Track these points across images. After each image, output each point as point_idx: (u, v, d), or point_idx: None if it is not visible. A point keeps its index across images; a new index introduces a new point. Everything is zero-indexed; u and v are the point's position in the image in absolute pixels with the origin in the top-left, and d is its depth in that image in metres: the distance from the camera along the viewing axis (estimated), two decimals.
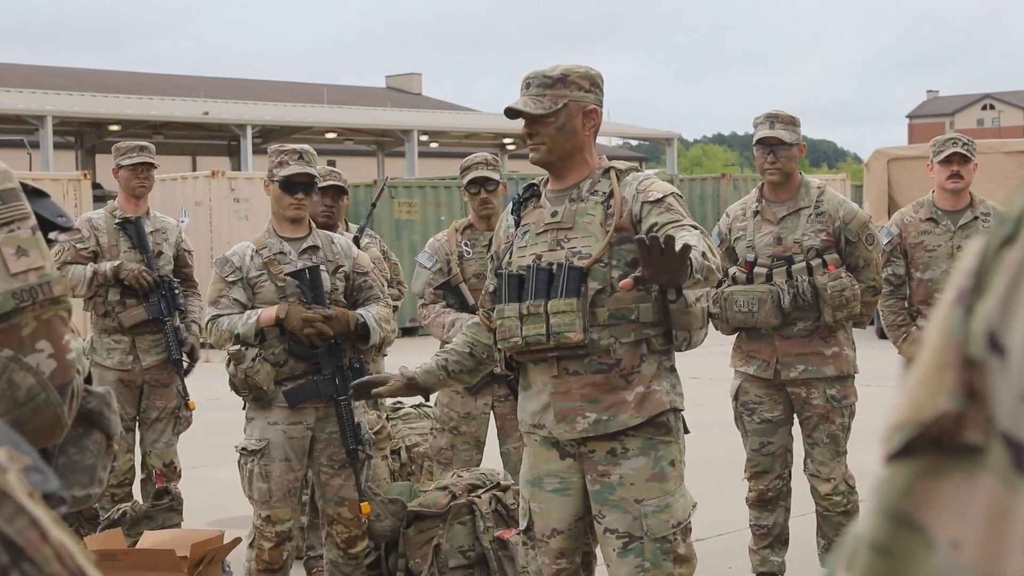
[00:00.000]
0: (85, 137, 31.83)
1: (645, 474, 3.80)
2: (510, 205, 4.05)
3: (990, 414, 0.62)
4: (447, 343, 5.66)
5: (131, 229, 6.60)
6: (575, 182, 3.89)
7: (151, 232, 6.66)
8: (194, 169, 34.77)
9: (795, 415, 5.53)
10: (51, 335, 1.82)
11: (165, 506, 6.45)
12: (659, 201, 3.78)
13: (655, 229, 3.69)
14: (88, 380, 1.95)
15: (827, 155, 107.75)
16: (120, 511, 6.27)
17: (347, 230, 6.36)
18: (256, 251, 5.10)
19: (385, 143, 35.06)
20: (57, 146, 29.64)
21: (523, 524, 4.02)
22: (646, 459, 3.81)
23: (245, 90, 46.18)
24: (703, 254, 3.52)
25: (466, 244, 5.93)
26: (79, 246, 6.53)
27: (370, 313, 5.08)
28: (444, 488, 5.70)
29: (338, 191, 6.21)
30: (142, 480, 6.70)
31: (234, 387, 5.02)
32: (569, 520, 3.92)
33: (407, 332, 17.64)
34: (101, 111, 31.02)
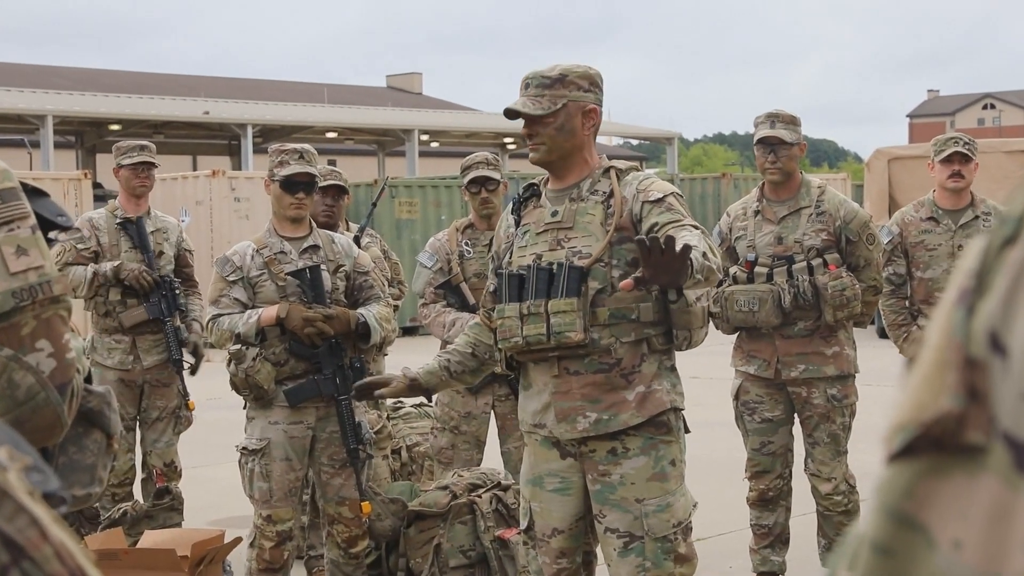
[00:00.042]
0: (86, 136, 31.83)
1: (646, 473, 3.80)
2: (510, 205, 4.05)
3: (992, 414, 0.62)
4: (448, 342, 5.68)
5: (132, 229, 6.60)
6: (575, 182, 3.89)
7: (152, 232, 6.66)
8: (195, 169, 34.80)
9: (796, 415, 5.53)
10: (51, 334, 1.82)
11: (166, 505, 6.45)
12: (659, 201, 3.78)
13: (655, 229, 3.69)
14: (88, 379, 1.95)
15: (828, 154, 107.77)
16: (121, 510, 6.27)
17: (348, 229, 6.36)
18: (257, 250, 5.10)
19: (386, 143, 35.06)
20: (58, 145, 29.65)
21: (524, 524, 4.02)
22: (647, 459, 3.81)
23: (246, 90, 46.19)
24: (704, 254, 3.52)
25: (467, 244, 5.93)
26: (80, 247, 6.53)
27: (371, 312, 5.08)
28: (445, 488, 5.70)
29: (339, 191, 6.21)
30: (143, 480, 6.70)
31: (235, 386, 5.02)
32: (570, 520, 3.92)
33: (408, 332, 17.64)
34: (102, 110, 31.02)
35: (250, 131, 29.70)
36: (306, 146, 5.18)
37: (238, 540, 5.47)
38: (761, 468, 5.56)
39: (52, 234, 1.95)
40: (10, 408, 1.77)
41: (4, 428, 1.14)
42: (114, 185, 8.03)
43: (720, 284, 5.30)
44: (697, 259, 3.44)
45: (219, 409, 9.82)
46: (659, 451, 3.82)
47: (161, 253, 6.64)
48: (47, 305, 1.83)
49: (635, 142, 58.40)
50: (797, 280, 5.35)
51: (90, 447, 1.96)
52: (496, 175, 5.93)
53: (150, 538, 5.50)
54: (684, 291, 3.73)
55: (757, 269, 5.42)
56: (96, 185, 19.94)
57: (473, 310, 5.63)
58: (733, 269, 5.44)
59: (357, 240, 6.15)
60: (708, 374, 11.03)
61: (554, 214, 3.87)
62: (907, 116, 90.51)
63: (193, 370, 6.70)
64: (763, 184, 5.59)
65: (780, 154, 5.42)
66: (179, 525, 6.38)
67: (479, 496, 5.64)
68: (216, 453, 8.72)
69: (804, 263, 5.36)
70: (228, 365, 4.99)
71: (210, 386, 9.15)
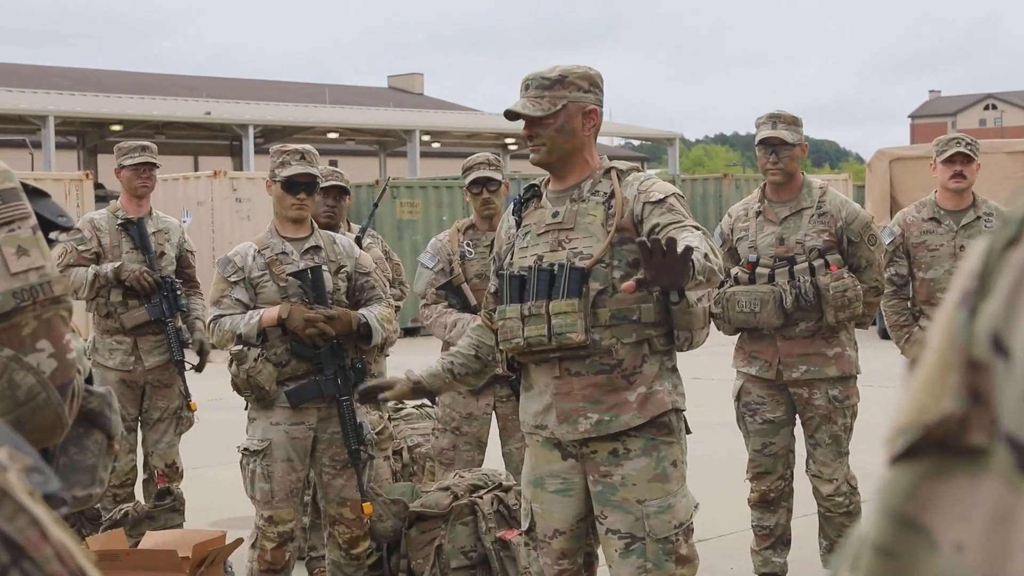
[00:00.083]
0: (87, 137, 31.85)
1: (647, 475, 3.80)
2: (511, 206, 4.05)
3: (994, 416, 0.62)
4: (449, 343, 5.68)
5: (133, 230, 6.60)
6: (576, 182, 3.89)
7: (153, 232, 6.66)
8: (196, 169, 34.79)
9: (797, 416, 5.53)
10: (52, 335, 1.82)
11: (167, 506, 6.45)
12: (661, 202, 3.78)
13: (657, 230, 3.69)
14: (89, 380, 1.95)
15: (829, 155, 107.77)
16: (122, 511, 6.27)
17: (349, 230, 6.36)
18: (258, 251, 5.10)
19: (387, 143, 35.07)
20: (59, 146, 29.67)
21: (525, 525, 4.01)
22: (648, 460, 3.81)
23: (247, 90, 46.21)
24: (705, 255, 3.51)
25: (468, 244, 5.93)
26: (81, 248, 6.53)
27: (372, 313, 5.08)
28: (446, 489, 5.70)
29: (340, 191, 6.21)
30: (144, 480, 6.70)
31: (236, 387, 5.02)
32: (571, 521, 3.92)
33: (409, 332, 17.64)
34: (103, 111, 31.03)
35: (251, 132, 29.71)
36: (307, 147, 5.18)
37: (239, 541, 5.47)
38: (762, 469, 5.56)
39: (53, 235, 1.95)
40: (11, 408, 1.77)
41: (4, 429, 1.14)
42: (116, 186, 8.03)
43: (721, 285, 5.30)
44: (699, 260, 3.44)
45: (220, 410, 9.82)
46: (660, 452, 3.82)
47: (162, 254, 6.64)
48: (48, 305, 1.83)
49: (636, 143, 58.42)
50: (799, 281, 5.34)
51: (91, 448, 1.96)
52: (498, 176, 5.93)
53: (151, 539, 5.50)
54: (686, 292, 3.73)
55: (759, 270, 5.41)
56: (98, 186, 19.94)
57: (474, 311, 5.63)
58: (735, 270, 5.44)
59: (359, 241, 6.15)
60: (709, 375, 11.03)
61: (555, 215, 3.87)
62: (909, 117, 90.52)
63: (199, 367, 6.71)
64: (764, 185, 5.59)
65: (782, 155, 5.42)
66: (180, 526, 6.38)
67: (480, 497, 5.64)
68: (217, 454, 8.72)
69: (806, 264, 5.36)
70: (229, 366, 4.99)
71: (211, 387, 9.16)
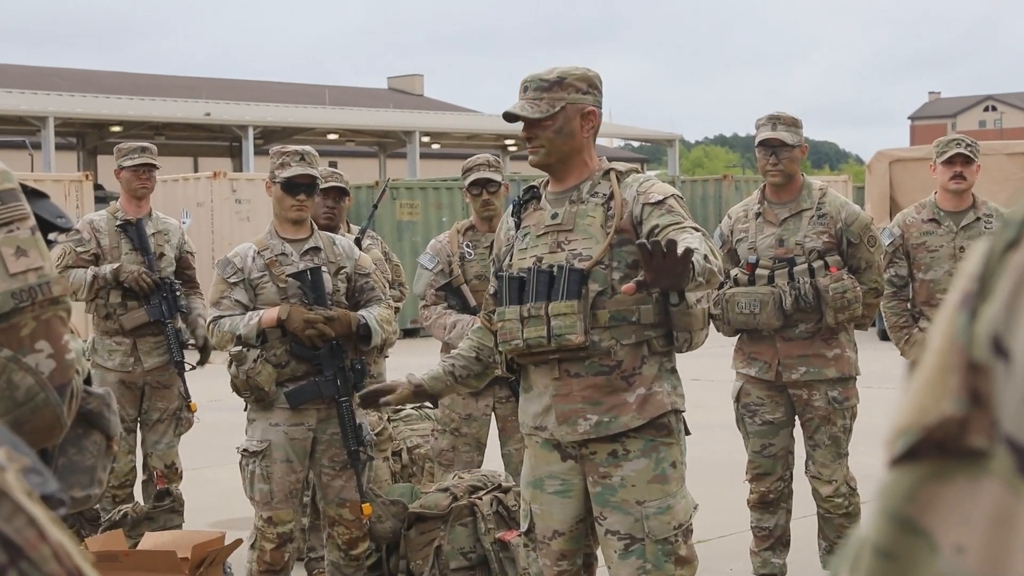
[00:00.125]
0: (87, 138, 31.85)
1: (646, 476, 3.80)
2: (510, 207, 4.05)
3: (994, 418, 0.62)
4: (449, 344, 5.68)
5: (132, 231, 6.60)
6: (575, 184, 3.89)
7: (153, 234, 6.65)
8: (196, 170, 34.78)
9: (796, 417, 5.53)
10: (50, 335, 1.82)
11: (166, 507, 6.45)
12: (660, 203, 3.78)
13: (656, 231, 3.69)
14: (88, 381, 1.95)
15: (829, 156, 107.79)
16: (121, 512, 6.27)
17: (349, 231, 6.36)
18: (258, 252, 5.10)
19: (387, 144, 35.08)
20: (59, 147, 29.67)
21: (524, 526, 4.01)
22: (647, 461, 3.80)
23: (246, 91, 46.22)
24: (705, 257, 3.51)
25: (468, 245, 5.93)
26: (79, 249, 6.52)
27: (372, 314, 5.08)
28: (445, 490, 5.70)
29: (340, 192, 6.21)
30: (143, 481, 6.70)
31: (236, 388, 5.02)
32: (570, 522, 3.91)
33: (408, 333, 17.64)
34: (103, 112, 31.04)
35: (251, 133, 29.71)
36: (307, 148, 5.18)
37: (239, 542, 5.47)
38: (762, 470, 5.56)
39: (52, 236, 1.95)
40: (9, 409, 1.76)
41: (3, 429, 1.14)
42: (115, 187, 8.02)
43: (721, 286, 5.30)
44: (699, 262, 3.44)
45: (220, 411, 9.81)
46: (660, 453, 3.82)
47: (162, 255, 6.64)
48: (46, 306, 1.83)
49: (636, 144, 58.42)
50: (798, 282, 5.34)
51: (90, 449, 1.96)
52: (497, 177, 5.93)
53: (150, 540, 5.49)
54: (685, 294, 3.73)
55: (758, 271, 5.41)
56: (97, 187, 19.95)
57: (474, 312, 5.63)
58: (734, 271, 5.44)
59: (358, 242, 6.15)
60: (709, 376, 11.02)
61: (554, 216, 3.87)
62: (908, 118, 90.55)
63: (202, 362, 6.72)
64: (764, 186, 5.59)
65: (781, 156, 5.42)
66: (180, 527, 6.37)
67: (480, 498, 5.64)
68: (217, 455, 8.72)
69: (805, 265, 5.36)
70: (229, 367, 4.99)
71: (211, 388, 9.15)
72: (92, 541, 5.38)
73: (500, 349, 3.91)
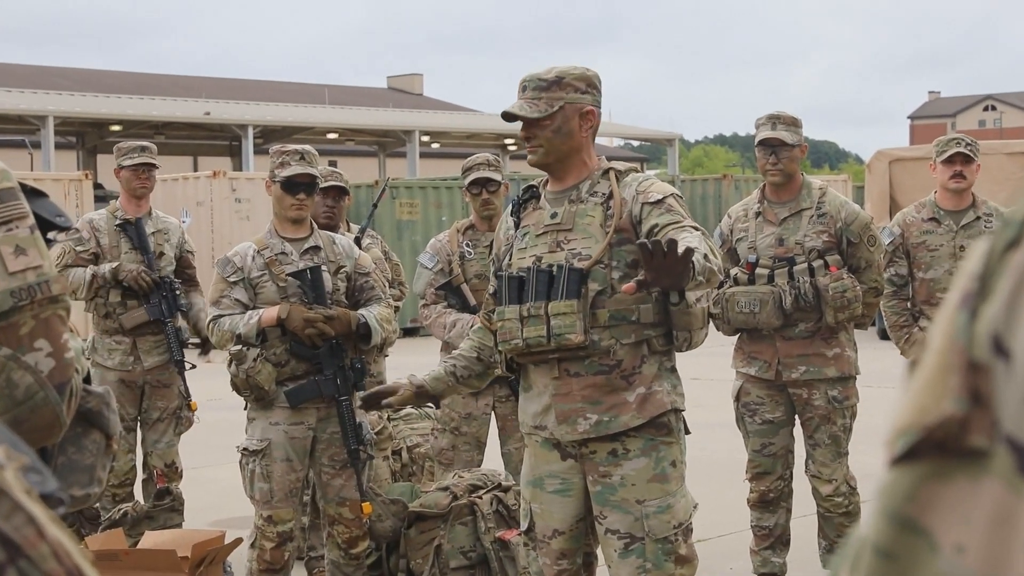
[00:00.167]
0: (87, 137, 31.85)
1: (646, 475, 3.80)
2: (509, 207, 4.04)
3: (995, 418, 0.62)
4: (449, 343, 5.68)
5: (131, 230, 6.60)
6: (574, 183, 3.89)
7: (152, 233, 6.65)
8: (195, 169, 34.79)
9: (796, 416, 5.53)
10: (49, 334, 1.82)
11: (166, 506, 6.45)
12: (659, 202, 3.77)
13: (656, 230, 3.69)
14: (87, 380, 1.95)
15: (829, 156, 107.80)
16: (121, 511, 6.27)
17: (348, 231, 6.36)
18: (258, 251, 5.10)
19: (386, 143, 35.08)
20: (58, 146, 29.68)
21: (524, 525, 4.01)
22: (647, 460, 3.80)
23: (246, 90, 46.22)
24: (705, 256, 3.51)
25: (468, 245, 5.93)
26: (79, 248, 6.52)
27: (371, 313, 5.08)
28: (445, 489, 5.70)
29: (339, 192, 6.21)
30: (143, 480, 6.70)
31: (235, 387, 5.02)
32: (570, 521, 3.91)
33: (408, 332, 17.65)
34: (103, 111, 31.05)
35: (251, 132, 29.72)
36: (307, 147, 5.18)
37: (239, 541, 5.47)
38: (762, 469, 5.56)
39: (51, 234, 1.94)
40: (8, 408, 1.76)
41: (2, 428, 1.14)
42: (115, 186, 8.03)
43: (721, 286, 5.30)
44: (699, 261, 3.44)
45: (220, 410, 9.81)
46: (660, 452, 3.82)
47: (161, 254, 6.64)
48: (45, 305, 1.83)
49: (636, 143, 58.42)
50: (798, 282, 5.34)
51: (89, 447, 1.96)
52: (497, 176, 5.93)
53: (151, 539, 5.49)
54: (685, 293, 3.73)
55: (758, 271, 5.41)
56: (97, 186, 19.95)
57: (474, 311, 5.63)
58: (734, 271, 5.44)
59: (358, 241, 6.15)
60: (709, 375, 11.03)
61: (553, 216, 3.87)
62: (908, 118, 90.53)
63: (204, 352, 6.72)
64: (764, 186, 5.59)
65: (781, 156, 5.42)
66: (180, 526, 6.37)
67: (480, 497, 5.64)
68: (217, 454, 8.72)
69: (805, 265, 5.36)
70: (229, 366, 4.99)
71: (211, 387, 9.15)
72: (92, 540, 5.38)
73: (500, 349, 3.91)
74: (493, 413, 5.89)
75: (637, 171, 4.02)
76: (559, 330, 3.73)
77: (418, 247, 15.37)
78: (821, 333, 5.39)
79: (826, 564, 5.62)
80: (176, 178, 18.77)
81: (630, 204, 3.80)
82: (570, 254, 3.80)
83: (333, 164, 19.99)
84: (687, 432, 3.94)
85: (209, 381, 8.13)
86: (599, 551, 4.13)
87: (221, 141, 35.61)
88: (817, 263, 5.35)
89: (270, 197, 5.18)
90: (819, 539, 5.66)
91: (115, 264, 6.48)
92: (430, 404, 5.57)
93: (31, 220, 1.87)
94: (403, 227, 19.00)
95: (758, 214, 5.52)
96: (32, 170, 24.02)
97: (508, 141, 34.20)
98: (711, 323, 4.29)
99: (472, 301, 5.78)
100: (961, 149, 6.08)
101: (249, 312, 5.00)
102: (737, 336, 5.56)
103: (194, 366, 6.74)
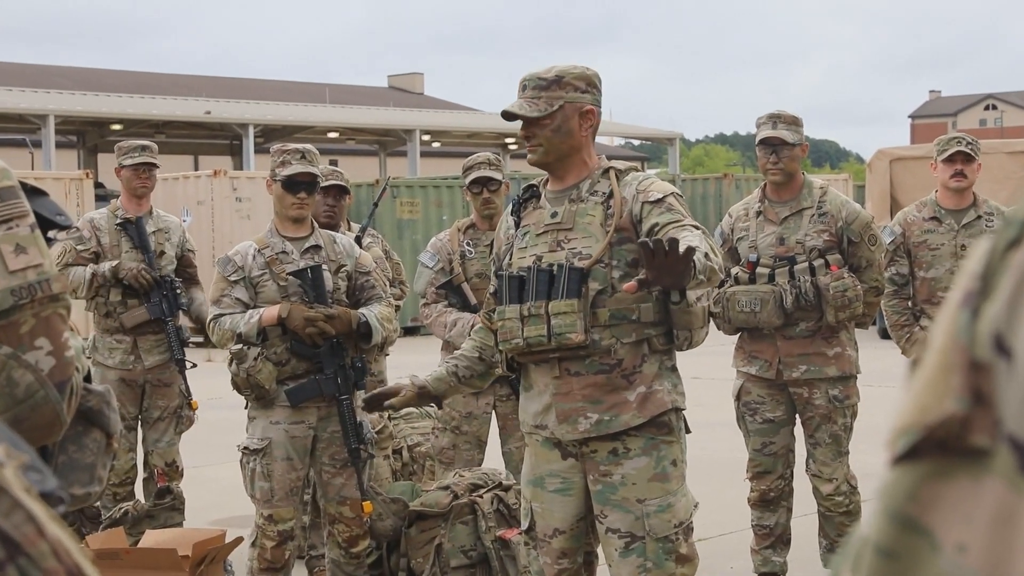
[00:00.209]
0: (87, 136, 31.86)
1: (647, 474, 3.80)
2: (510, 206, 4.04)
3: (997, 417, 0.61)
4: (450, 343, 5.68)
5: (132, 229, 6.60)
6: (574, 183, 3.89)
7: (153, 232, 6.65)
8: (196, 168, 34.83)
9: (797, 415, 5.53)
10: (50, 332, 1.82)
11: (167, 505, 6.45)
12: (659, 201, 3.77)
13: (656, 229, 3.69)
14: (87, 379, 1.94)
15: (829, 155, 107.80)
16: (122, 510, 6.27)
17: (349, 230, 6.36)
18: (258, 250, 5.10)
19: (387, 143, 35.08)
20: (59, 145, 29.68)
21: (525, 524, 4.01)
22: (648, 459, 3.80)
23: (247, 89, 46.22)
24: (705, 255, 3.51)
25: (468, 244, 5.93)
26: (79, 247, 6.52)
27: (372, 312, 5.08)
28: (446, 488, 5.70)
29: (340, 191, 6.21)
30: (144, 479, 6.70)
31: (236, 386, 5.02)
32: (571, 520, 3.91)
33: (409, 331, 17.64)
34: (103, 110, 31.05)
35: (251, 131, 29.72)
36: (308, 146, 5.18)
37: (239, 540, 5.47)
38: (762, 469, 5.56)
39: (51, 233, 1.94)
40: (9, 406, 1.76)
41: (2, 426, 1.13)
42: (116, 185, 8.03)
43: (722, 285, 5.30)
44: (700, 260, 3.44)
45: (220, 409, 9.82)
46: (660, 451, 3.82)
47: (162, 253, 6.64)
48: (46, 303, 1.83)
49: (636, 142, 58.42)
50: (799, 281, 5.34)
51: (89, 446, 1.95)
52: (498, 175, 5.93)
53: (151, 538, 5.50)
54: (686, 292, 3.73)
55: (759, 270, 5.41)
56: (98, 185, 19.95)
57: (474, 310, 5.64)
58: (735, 270, 5.44)
59: (359, 240, 6.15)
60: (709, 374, 11.03)
61: (554, 215, 3.87)
62: (909, 117, 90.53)
63: (200, 330, 6.73)
64: (765, 185, 5.59)
65: (782, 155, 5.42)
66: (180, 525, 6.38)
67: (480, 496, 5.64)
68: (217, 453, 8.72)
69: (806, 264, 5.36)
70: (230, 365, 4.99)
71: (212, 386, 9.16)
72: (93, 539, 5.38)
73: (500, 348, 3.91)
74: (494, 412, 5.89)
75: (637, 170, 4.02)
76: (559, 329, 3.73)
77: (419, 246, 15.37)
78: (822, 332, 5.39)
79: (827, 563, 5.62)
80: (177, 177, 18.77)
81: (630, 203, 3.80)
82: (570, 253, 3.79)
83: (334, 163, 20.01)
84: (688, 431, 3.94)
85: (210, 380, 8.14)
86: (600, 550, 4.13)
87: (222, 140, 35.62)
88: (818, 262, 5.35)
89: (271, 196, 5.18)
90: (820, 538, 5.66)
91: (115, 263, 6.48)
92: (432, 404, 5.60)
93: (31, 219, 1.87)
94: (404, 226, 19.00)
95: (759, 213, 5.52)
96: (33, 169, 24.03)
97: (509, 140, 34.20)
98: (712, 322, 4.29)
99: (473, 300, 5.78)
100: (962, 148, 6.08)
101: (250, 311, 5.00)
102: (738, 335, 5.56)
103: (195, 365, 6.74)
